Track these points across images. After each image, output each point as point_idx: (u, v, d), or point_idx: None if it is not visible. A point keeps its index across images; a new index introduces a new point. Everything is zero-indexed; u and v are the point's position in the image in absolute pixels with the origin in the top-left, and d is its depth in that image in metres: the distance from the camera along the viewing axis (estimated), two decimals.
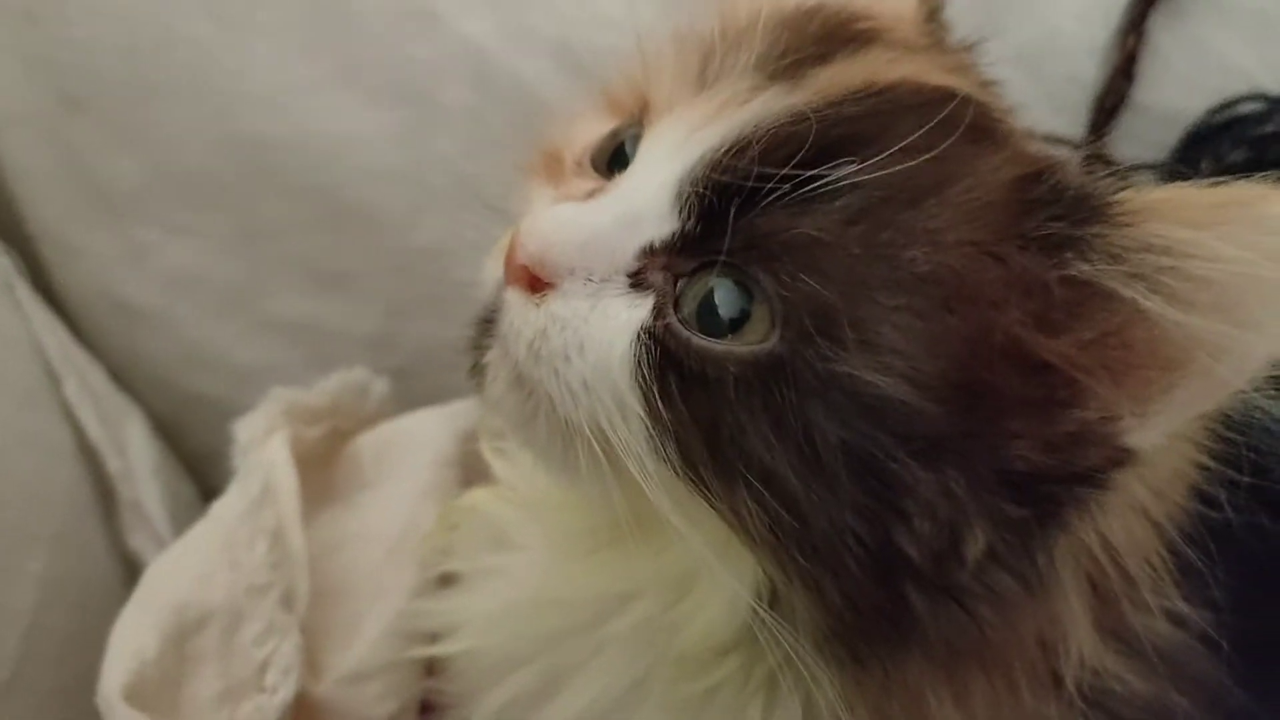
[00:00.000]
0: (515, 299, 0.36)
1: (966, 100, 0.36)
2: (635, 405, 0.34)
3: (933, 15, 0.46)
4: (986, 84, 0.45)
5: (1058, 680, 0.37)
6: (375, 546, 0.54)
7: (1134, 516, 0.36)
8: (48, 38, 0.65)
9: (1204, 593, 0.42)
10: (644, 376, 0.34)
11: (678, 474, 0.34)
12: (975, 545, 0.33)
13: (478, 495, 0.49)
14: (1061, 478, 0.33)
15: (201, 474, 0.74)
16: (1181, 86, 0.65)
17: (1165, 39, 0.65)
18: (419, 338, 0.70)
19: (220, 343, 0.73)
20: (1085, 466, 0.33)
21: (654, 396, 0.34)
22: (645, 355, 0.34)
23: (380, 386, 0.64)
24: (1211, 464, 0.42)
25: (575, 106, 0.59)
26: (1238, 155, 0.61)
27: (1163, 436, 0.33)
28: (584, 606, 0.42)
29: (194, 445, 0.75)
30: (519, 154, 0.46)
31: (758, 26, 0.38)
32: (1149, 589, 0.40)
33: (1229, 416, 0.42)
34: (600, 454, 0.35)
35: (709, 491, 0.34)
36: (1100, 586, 0.37)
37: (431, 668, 0.50)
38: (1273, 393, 0.46)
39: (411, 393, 0.65)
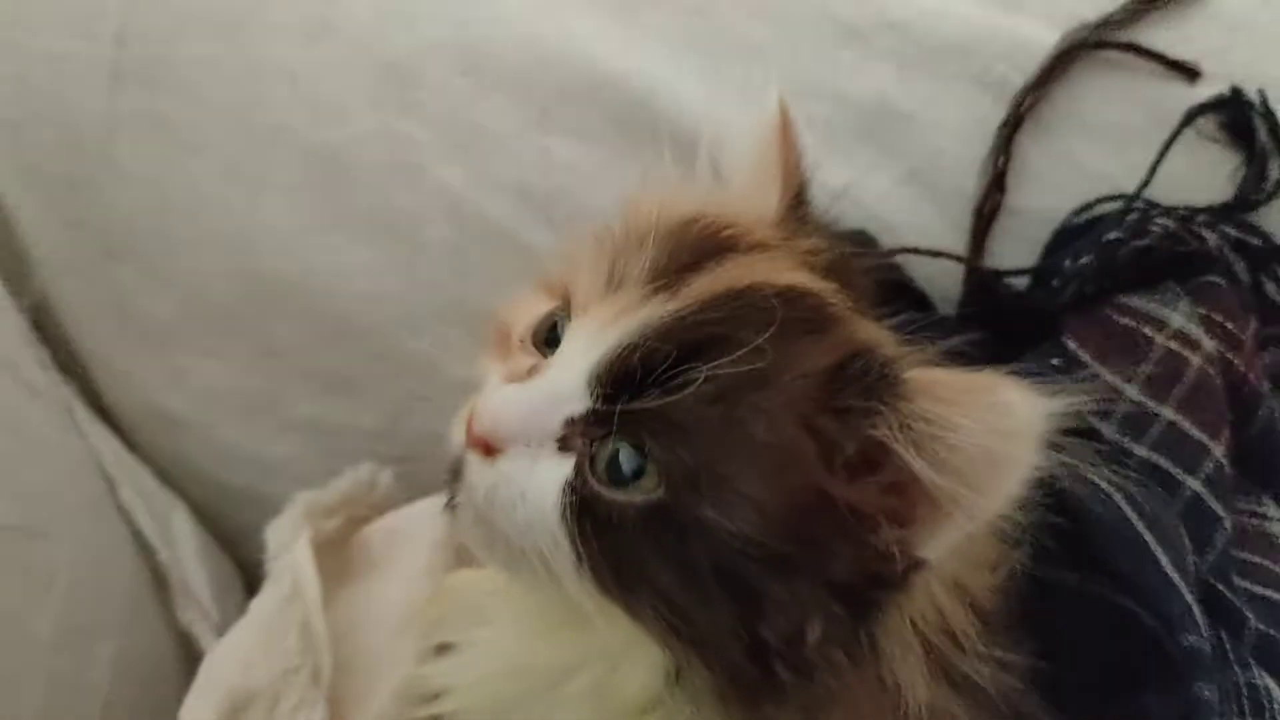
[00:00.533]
0: (473, 459, 0.44)
1: (804, 295, 0.45)
2: (564, 540, 0.42)
3: (798, 198, 0.54)
4: (834, 262, 0.52)
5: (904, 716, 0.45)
6: (385, 623, 0.63)
7: (948, 593, 0.45)
8: (92, 201, 0.73)
9: (1027, 643, 0.51)
10: (568, 519, 0.42)
11: (596, 589, 0.42)
12: (814, 632, 0.41)
13: (463, 577, 0.57)
14: (871, 583, 0.42)
15: (238, 550, 0.83)
16: (1051, 193, 0.73)
17: (1034, 151, 0.72)
18: (417, 430, 0.77)
19: (248, 443, 0.81)
20: (890, 573, 0.42)
21: (576, 534, 0.42)
22: (569, 503, 0.42)
23: (386, 478, 0.73)
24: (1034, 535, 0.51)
25: (533, 237, 0.68)
26: (1088, 258, 0.69)
27: (943, 551, 0.41)
28: (544, 673, 0.49)
29: (230, 526, 0.83)
30: (486, 281, 0.55)
31: (649, 236, 0.46)
32: (978, 642, 0.48)
33: (1050, 496, 0.52)
34: (544, 572, 0.43)
35: (619, 602, 0.43)
36: (932, 645, 0.44)
37: None
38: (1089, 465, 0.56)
39: (413, 476, 0.72)
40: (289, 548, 0.63)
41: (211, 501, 0.84)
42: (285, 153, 0.74)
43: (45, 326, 0.79)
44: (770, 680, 0.42)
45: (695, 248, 0.47)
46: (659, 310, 0.43)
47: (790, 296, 0.45)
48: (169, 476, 0.82)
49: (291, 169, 0.73)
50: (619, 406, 0.42)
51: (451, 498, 0.47)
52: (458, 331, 0.54)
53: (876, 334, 0.47)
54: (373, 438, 0.79)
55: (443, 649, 0.56)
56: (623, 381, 0.42)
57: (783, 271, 0.47)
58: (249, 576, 0.72)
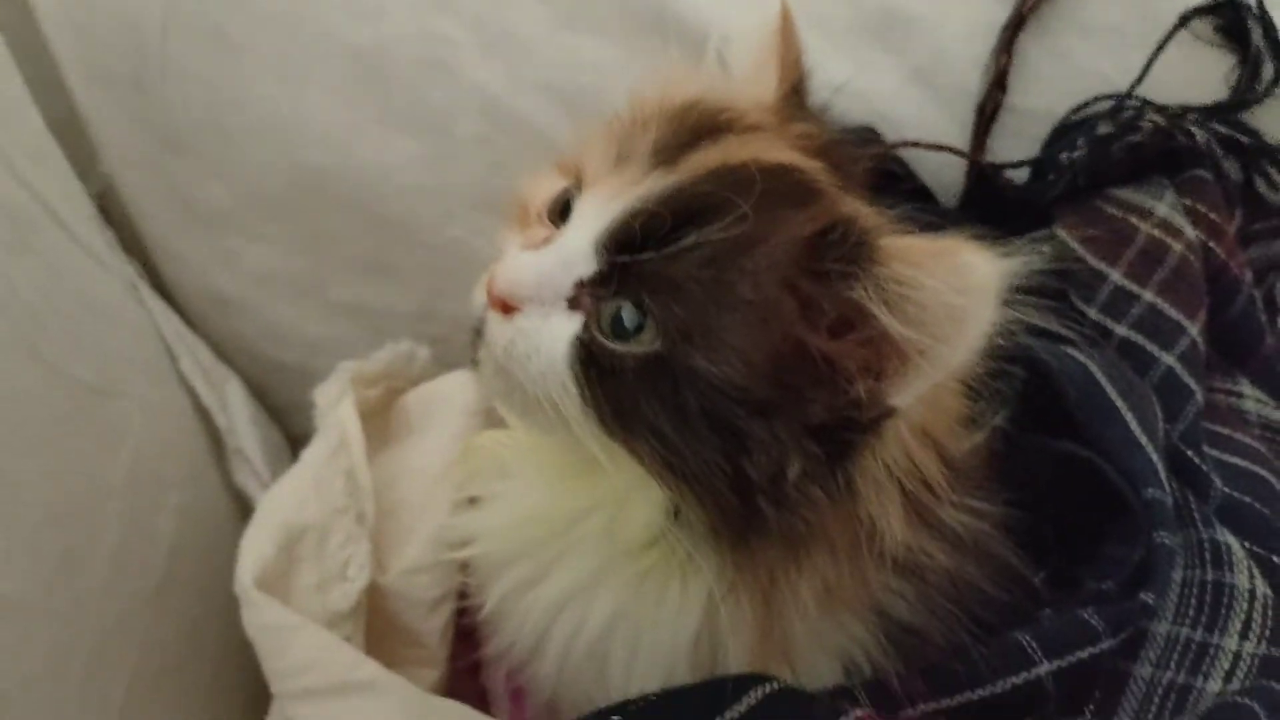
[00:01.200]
0: (493, 317, 0.49)
1: (790, 171, 0.50)
2: (572, 387, 0.47)
3: (795, 88, 0.58)
4: (826, 145, 0.56)
5: (881, 554, 0.50)
6: (422, 478, 0.68)
7: (918, 441, 0.49)
8: (151, 98, 0.77)
9: (1001, 495, 0.56)
10: (576, 368, 0.47)
11: (600, 430, 0.48)
12: (794, 470, 0.46)
13: (488, 436, 0.62)
14: (846, 427, 0.46)
15: (287, 423, 0.89)
16: (1050, 91, 0.77)
17: (1035, 51, 0.76)
18: (452, 313, 0.72)
19: (296, 322, 0.86)
20: (863, 419, 0.46)
21: (583, 381, 0.47)
22: (577, 355, 0.47)
23: (424, 353, 0.79)
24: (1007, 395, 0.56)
25: (560, 133, 0.72)
26: (1082, 151, 0.73)
27: (912, 399, 0.46)
28: (560, 519, 0.54)
29: (280, 401, 0.88)
30: (517, 173, 0.58)
31: (654, 119, 0.51)
32: (954, 491, 0.53)
33: (1022, 357, 0.56)
34: (555, 416, 0.48)
35: (621, 442, 0.47)
36: (908, 490, 0.49)
37: (463, 566, 0.63)
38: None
39: (448, 355, 0.77)
40: (335, 406, 0.69)
41: (263, 377, 0.88)
42: (327, 53, 0.77)
43: (110, 211, 0.83)
44: (755, 514, 0.47)
45: (694, 129, 0.51)
46: (659, 183, 0.48)
47: (778, 172, 0.49)
48: (223, 352, 0.86)
49: (333, 68, 0.77)
50: (621, 266, 0.47)
51: (474, 355, 0.52)
52: (490, 220, 0.58)
53: (857, 207, 0.51)
54: (411, 319, 0.83)
55: (472, 502, 0.62)
56: (625, 246, 0.47)
57: (774, 151, 0.52)
58: (297, 447, 0.76)
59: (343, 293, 0.85)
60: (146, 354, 0.76)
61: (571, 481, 0.53)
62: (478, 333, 0.50)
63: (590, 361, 0.47)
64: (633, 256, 0.46)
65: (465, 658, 0.67)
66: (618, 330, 0.47)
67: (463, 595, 0.65)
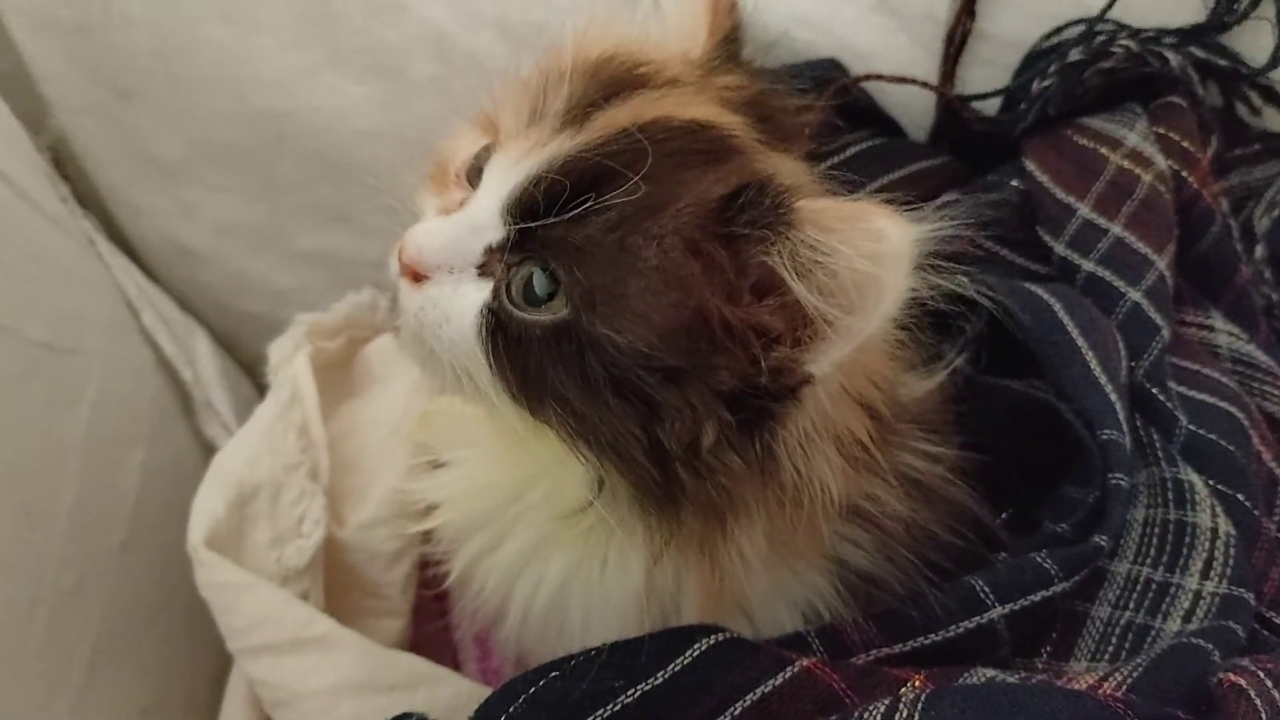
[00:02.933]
0: (405, 285, 0.48)
1: (704, 128, 0.48)
2: (481, 356, 0.46)
3: (728, 38, 0.56)
4: (754, 98, 0.53)
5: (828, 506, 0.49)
6: (381, 429, 0.69)
7: (844, 402, 0.48)
8: (97, 44, 0.75)
9: (957, 439, 0.56)
10: (484, 337, 0.46)
11: (511, 400, 0.47)
12: (708, 437, 0.45)
13: (443, 402, 0.61)
14: (762, 394, 0.45)
15: (256, 373, 0.87)
16: (1021, 17, 0.74)
17: None
18: None
19: (259, 272, 0.85)
20: (780, 386, 0.45)
21: (490, 351, 0.46)
22: (485, 324, 0.46)
23: (385, 302, 0.77)
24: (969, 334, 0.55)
25: (514, 72, 0.70)
26: (1052, 79, 0.71)
27: (828, 366, 0.44)
28: (509, 487, 0.54)
29: (249, 352, 0.88)
30: (473, 113, 0.56)
31: (568, 73, 0.48)
32: (909, 437, 0.53)
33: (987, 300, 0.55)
34: (470, 385, 0.48)
35: (530, 412, 0.47)
36: (843, 444, 0.48)
37: (427, 535, 0.62)
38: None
39: None
40: (289, 361, 0.69)
41: (232, 329, 0.88)
42: None
43: (64, 164, 0.82)
44: (674, 483, 0.47)
45: (608, 84, 0.49)
46: (565, 145, 0.46)
47: (689, 130, 0.47)
48: (189, 305, 0.86)
49: (280, 8, 0.75)
50: (520, 229, 0.46)
51: (394, 320, 0.51)
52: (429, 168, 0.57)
53: (780, 165, 0.50)
54: (375, 268, 0.78)
55: (434, 467, 0.61)
56: (530, 212, 0.45)
57: (689, 107, 0.49)
58: None
59: (306, 241, 0.84)
60: (105, 309, 0.76)
61: (516, 451, 0.53)
62: (395, 300, 0.50)
63: (499, 330, 0.46)
64: (538, 222, 0.45)
65: (438, 619, 0.68)
66: (529, 297, 0.46)
67: (427, 565, 0.66)
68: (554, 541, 0.54)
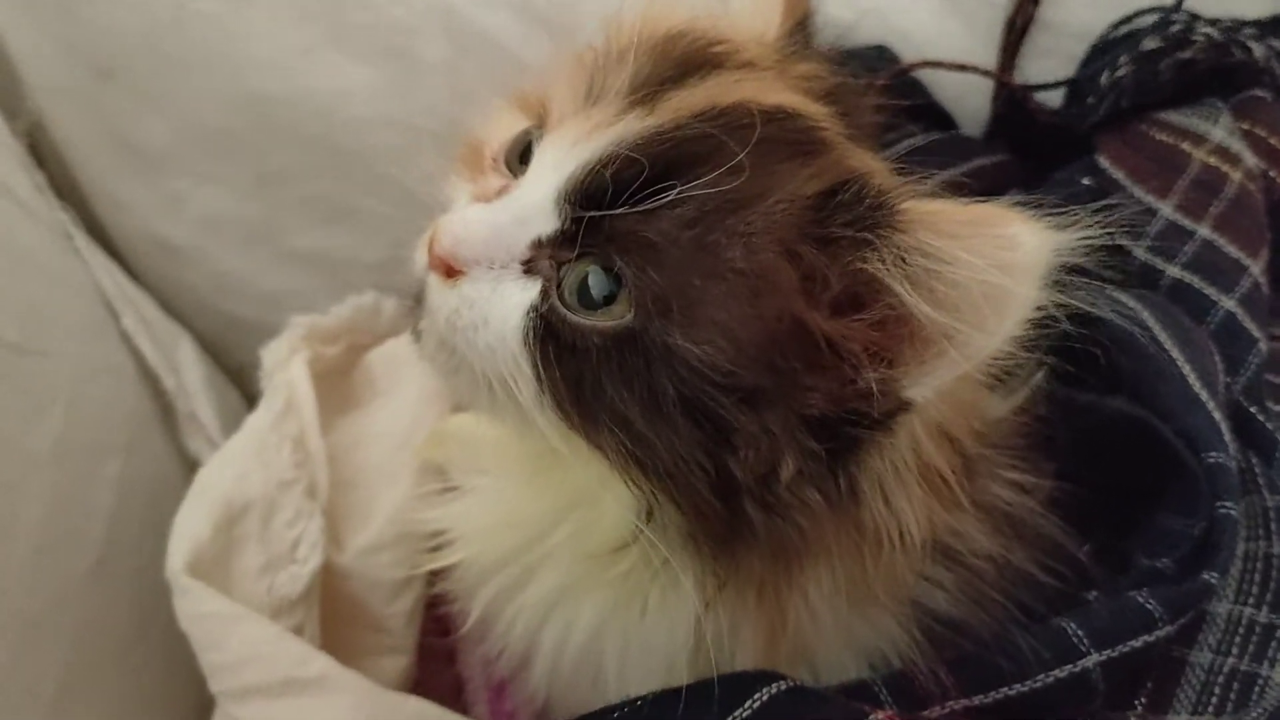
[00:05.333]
0: (435, 282, 0.43)
1: (792, 116, 0.43)
2: (525, 366, 0.41)
3: (800, 25, 0.51)
4: (834, 89, 0.49)
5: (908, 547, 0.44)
6: (386, 443, 0.63)
7: (937, 439, 0.43)
8: (78, 19, 0.70)
9: (1046, 465, 0.51)
10: (531, 344, 0.41)
11: (559, 418, 0.41)
12: (788, 469, 0.40)
13: (459, 421, 0.57)
14: (851, 421, 0.40)
15: (245, 383, 0.82)
16: (1088, 3, 0.70)
17: None
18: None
19: (248, 272, 0.80)
20: (874, 413, 0.40)
21: (538, 359, 0.41)
22: (533, 328, 0.41)
23: (390, 305, 0.72)
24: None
25: (534, 53, 0.65)
26: (1125, 70, 0.66)
27: (931, 391, 0.40)
28: (535, 522, 0.49)
29: (237, 359, 0.82)
30: (491, 98, 0.52)
31: (632, 51, 0.44)
32: (995, 465, 0.48)
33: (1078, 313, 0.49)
34: (507, 400, 0.42)
35: (581, 433, 0.41)
36: (929, 478, 0.43)
37: (437, 572, 0.57)
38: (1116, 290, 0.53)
39: None
40: (284, 366, 0.63)
41: (218, 334, 0.83)
42: None
43: (41, 151, 0.77)
44: (740, 520, 0.42)
45: (680, 62, 0.45)
46: (635, 125, 0.41)
47: (777, 117, 0.43)
48: (174, 307, 0.81)
49: None
50: (586, 219, 0.40)
51: (416, 325, 0.46)
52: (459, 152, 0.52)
53: (871, 163, 0.45)
54: (376, 269, 0.77)
55: (445, 491, 0.56)
56: (593, 200, 0.41)
57: (772, 91, 0.45)
58: None
59: (300, 239, 0.79)
60: (81, 309, 0.71)
61: (543, 478, 0.48)
62: (419, 299, 0.45)
63: (548, 336, 0.41)
64: (602, 212, 0.40)
65: (445, 658, 0.63)
66: (584, 299, 0.41)
67: (439, 604, 0.61)
68: (586, 583, 0.49)
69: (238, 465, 0.58)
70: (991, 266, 0.36)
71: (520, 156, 0.46)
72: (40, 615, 0.58)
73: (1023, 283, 0.36)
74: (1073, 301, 0.39)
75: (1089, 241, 0.37)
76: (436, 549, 0.55)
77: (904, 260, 0.38)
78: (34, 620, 0.58)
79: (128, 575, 0.65)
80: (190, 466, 0.74)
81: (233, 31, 0.71)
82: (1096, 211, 0.38)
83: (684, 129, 0.41)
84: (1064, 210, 0.37)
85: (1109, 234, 0.38)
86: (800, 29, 0.52)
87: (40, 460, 0.60)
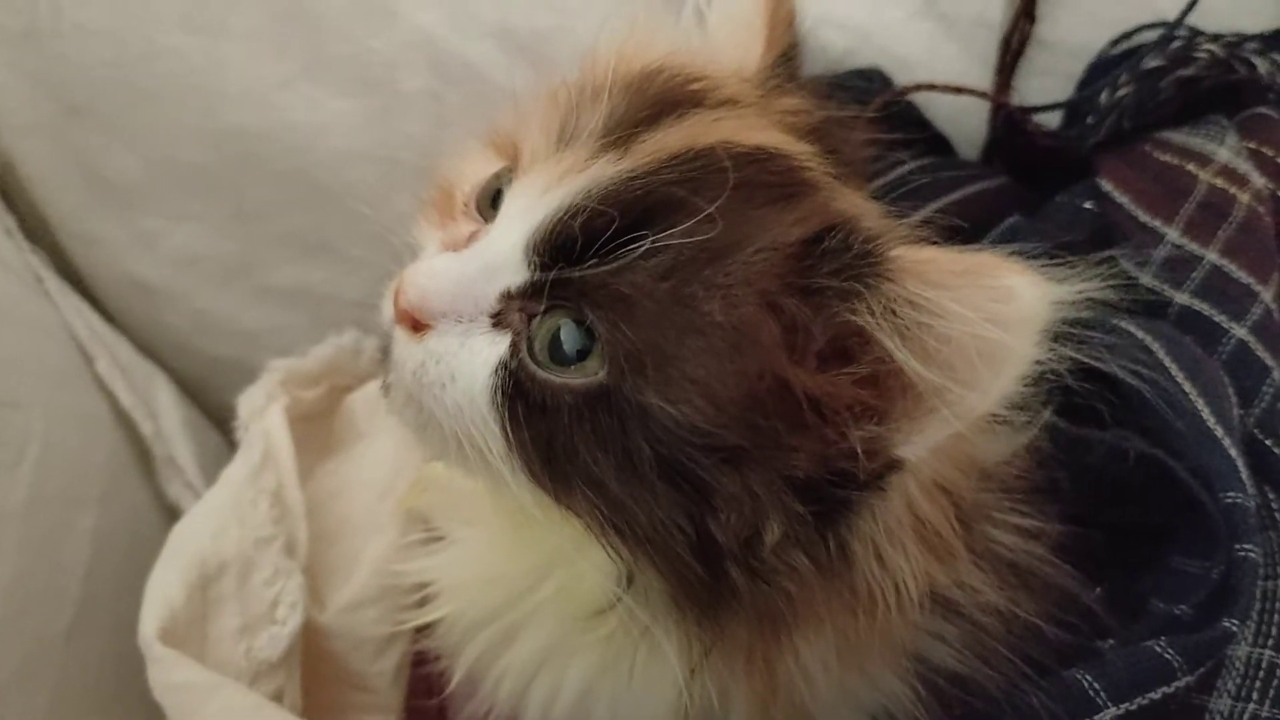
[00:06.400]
0: (401, 335, 0.41)
1: (774, 157, 0.41)
2: (494, 426, 0.39)
3: (784, 56, 0.49)
4: (820, 125, 0.47)
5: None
6: (368, 491, 0.61)
7: (931, 496, 0.41)
8: (46, 54, 0.69)
9: (1056, 509, 0.49)
10: (500, 403, 0.39)
11: (530, 481, 0.39)
12: (773, 533, 0.38)
13: (442, 467, 0.53)
14: (839, 482, 0.38)
15: (226, 425, 0.77)
16: (1086, 21, 0.68)
17: None
18: None
19: (227, 311, 0.78)
20: (863, 473, 0.38)
21: (506, 419, 0.39)
22: (501, 385, 0.39)
23: (371, 346, 0.70)
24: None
25: (519, 86, 0.64)
26: (1126, 89, 0.64)
27: (924, 450, 0.38)
28: (519, 579, 0.47)
29: (217, 401, 0.80)
30: (473, 131, 0.50)
31: (606, 89, 0.42)
32: (998, 513, 0.46)
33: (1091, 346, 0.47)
34: (476, 459, 0.40)
35: (554, 496, 0.39)
36: (925, 535, 0.41)
37: (422, 629, 0.55)
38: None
39: None
40: (261, 415, 0.61)
41: (197, 375, 0.81)
42: None
43: (11, 192, 0.76)
44: (724, 585, 0.40)
45: (656, 101, 0.43)
46: (607, 170, 0.40)
47: (758, 158, 0.41)
48: (150, 348, 0.79)
49: (253, 13, 0.69)
50: (553, 276, 0.39)
51: (385, 377, 0.44)
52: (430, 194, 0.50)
53: (860, 205, 0.43)
54: (358, 306, 0.72)
55: (429, 541, 0.55)
56: (563, 251, 0.39)
57: (753, 131, 0.43)
58: None
59: (279, 276, 0.77)
60: (53, 355, 0.69)
61: (523, 533, 0.46)
62: (387, 351, 0.43)
63: (517, 395, 0.39)
64: (571, 265, 0.38)
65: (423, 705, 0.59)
66: (556, 355, 0.39)
67: (424, 662, 0.58)
68: (572, 644, 0.47)
69: (214, 521, 0.56)
70: (986, 320, 0.34)
71: (491, 200, 0.44)
72: (11, 678, 0.57)
73: (1020, 338, 0.35)
74: (1075, 355, 0.37)
75: (1088, 294, 0.36)
76: (421, 603, 0.53)
77: (894, 312, 0.36)
78: (4, 683, 0.56)
79: (105, 633, 0.63)
80: (169, 513, 0.72)
81: (207, 66, 0.70)
82: (1097, 262, 0.36)
83: (658, 174, 0.39)
84: (1062, 261, 0.36)
85: (1106, 287, 0.36)
86: (784, 61, 0.50)
87: (11, 516, 0.59)
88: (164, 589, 0.53)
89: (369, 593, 0.57)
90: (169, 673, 0.50)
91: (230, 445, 0.77)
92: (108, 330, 0.75)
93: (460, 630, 0.50)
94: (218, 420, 0.81)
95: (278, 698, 0.53)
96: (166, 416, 0.75)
